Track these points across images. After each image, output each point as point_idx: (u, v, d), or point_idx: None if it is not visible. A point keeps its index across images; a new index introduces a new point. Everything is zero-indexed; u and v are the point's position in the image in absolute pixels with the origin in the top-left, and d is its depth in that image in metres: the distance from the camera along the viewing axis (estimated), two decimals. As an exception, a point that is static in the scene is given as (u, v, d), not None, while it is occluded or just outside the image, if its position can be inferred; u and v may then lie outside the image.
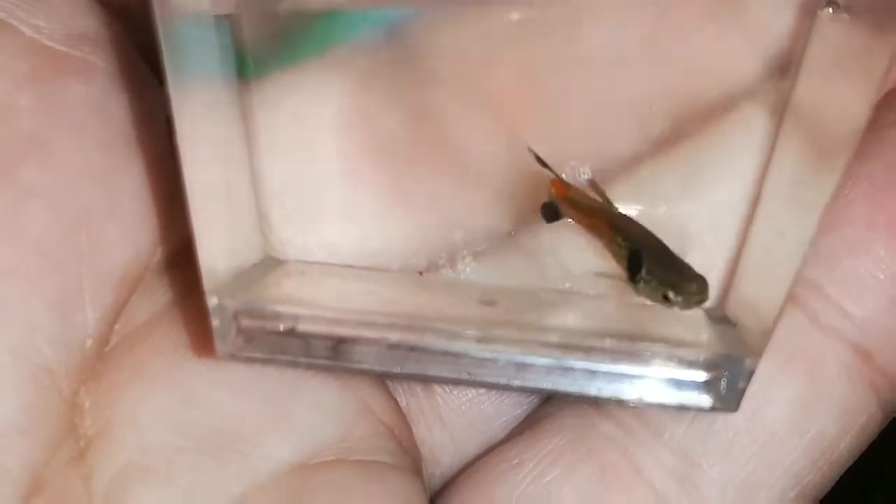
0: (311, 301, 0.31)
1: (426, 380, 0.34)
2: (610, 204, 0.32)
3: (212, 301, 0.30)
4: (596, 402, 0.33)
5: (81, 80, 0.31)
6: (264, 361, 0.31)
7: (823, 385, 0.31)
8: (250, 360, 0.31)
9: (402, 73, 0.31)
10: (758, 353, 0.30)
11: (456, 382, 0.34)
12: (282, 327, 0.31)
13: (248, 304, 0.31)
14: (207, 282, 0.30)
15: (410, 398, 0.35)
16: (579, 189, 0.32)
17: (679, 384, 0.31)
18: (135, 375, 0.31)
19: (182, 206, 0.29)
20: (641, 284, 0.31)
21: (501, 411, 0.36)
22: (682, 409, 0.31)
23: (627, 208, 0.32)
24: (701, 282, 0.30)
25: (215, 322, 0.31)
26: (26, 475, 0.29)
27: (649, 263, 0.31)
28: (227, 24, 0.30)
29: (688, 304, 0.30)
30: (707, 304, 0.32)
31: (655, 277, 0.30)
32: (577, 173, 0.32)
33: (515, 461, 0.33)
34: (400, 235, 0.33)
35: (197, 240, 0.29)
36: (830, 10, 0.28)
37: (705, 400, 0.31)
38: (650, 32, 0.30)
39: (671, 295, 0.30)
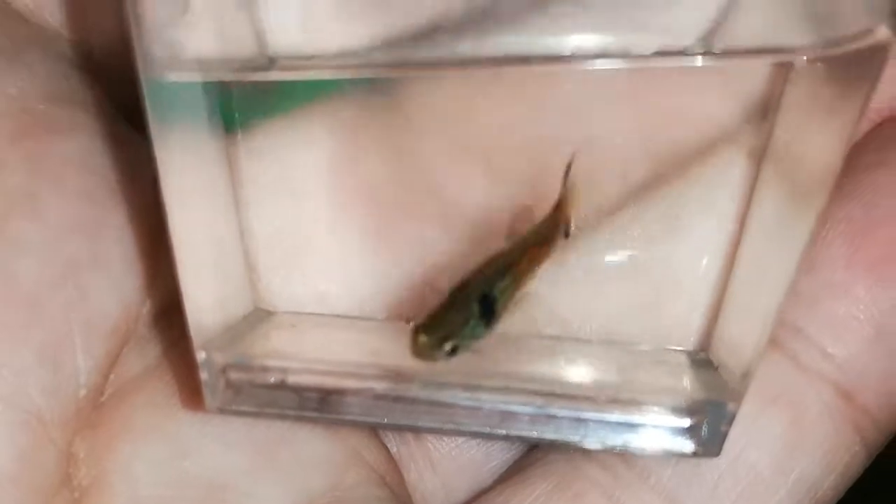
0: (300, 354, 0.32)
1: (413, 429, 0.34)
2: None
3: (200, 355, 0.31)
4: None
5: (65, 137, 0.32)
6: (253, 415, 0.32)
7: (806, 426, 0.32)
8: (239, 414, 0.32)
9: (386, 121, 0.32)
10: (739, 397, 0.30)
11: (442, 432, 0.34)
12: (272, 380, 0.31)
13: (237, 358, 0.31)
14: (196, 336, 0.30)
15: (401, 445, 0.36)
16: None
17: (662, 430, 0.31)
18: (128, 427, 0.32)
19: (169, 256, 0.29)
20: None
21: (491, 456, 0.36)
22: (666, 454, 0.31)
23: (611, 253, 0.32)
24: (426, 339, 0.29)
25: (204, 376, 0.31)
26: (20, 525, 0.29)
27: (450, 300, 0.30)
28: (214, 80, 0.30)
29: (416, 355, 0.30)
30: (690, 347, 0.33)
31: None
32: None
33: None
34: (387, 283, 0.33)
35: (185, 293, 0.30)
36: (805, 59, 0.28)
37: (688, 445, 0.31)
38: (630, 80, 0.30)
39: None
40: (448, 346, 0.29)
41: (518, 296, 0.31)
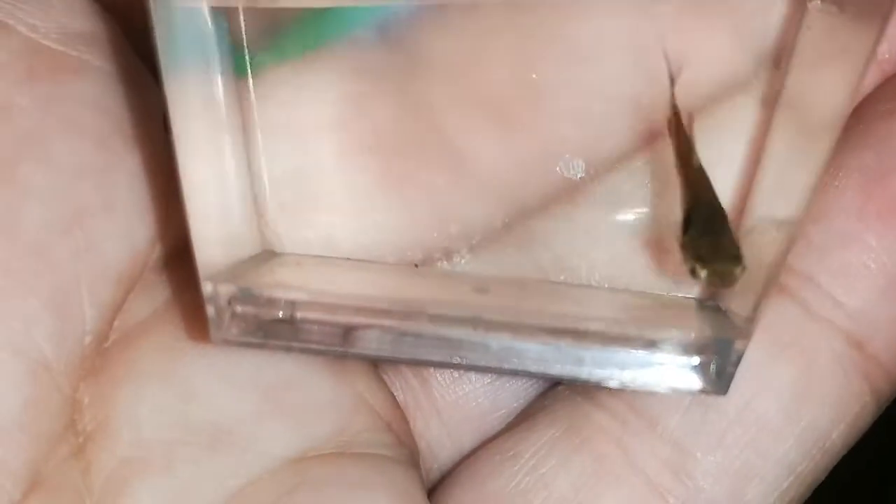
0: (306, 288, 0.32)
1: (420, 364, 0.34)
2: (690, 152, 0.31)
3: (206, 287, 0.31)
4: (589, 393, 0.33)
5: (77, 78, 0.31)
6: (258, 347, 0.32)
7: (816, 374, 0.32)
8: (245, 346, 0.32)
9: (396, 67, 0.32)
10: (746, 336, 0.30)
11: (448, 366, 0.34)
12: (280, 314, 0.31)
13: (243, 291, 0.31)
14: (202, 269, 0.30)
15: (407, 392, 0.36)
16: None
17: (669, 368, 0.31)
18: (133, 371, 0.32)
19: (180, 202, 0.29)
20: (682, 248, 0.30)
21: (497, 405, 0.36)
22: (673, 392, 0.31)
23: (620, 200, 0.32)
24: (731, 264, 0.29)
25: (209, 308, 0.31)
26: (26, 470, 0.29)
27: (695, 230, 0.30)
28: (224, 16, 0.30)
29: (713, 283, 0.30)
30: (699, 294, 0.33)
31: (691, 247, 0.30)
32: (571, 166, 0.32)
33: (511, 453, 0.34)
34: (396, 228, 0.33)
35: (192, 231, 0.29)
36: (819, 1, 0.28)
37: (696, 383, 0.31)
38: (642, 26, 0.30)
39: (698, 269, 0.29)
40: (743, 265, 0.29)
41: None
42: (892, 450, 0.43)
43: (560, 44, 0.31)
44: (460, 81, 0.32)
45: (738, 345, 0.30)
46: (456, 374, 0.35)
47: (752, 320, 0.30)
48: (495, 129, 0.32)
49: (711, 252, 0.29)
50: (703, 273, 0.29)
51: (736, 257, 0.29)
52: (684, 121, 0.31)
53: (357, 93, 0.32)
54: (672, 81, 0.30)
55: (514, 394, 0.36)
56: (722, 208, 0.30)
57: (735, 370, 0.30)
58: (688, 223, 0.30)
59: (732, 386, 0.31)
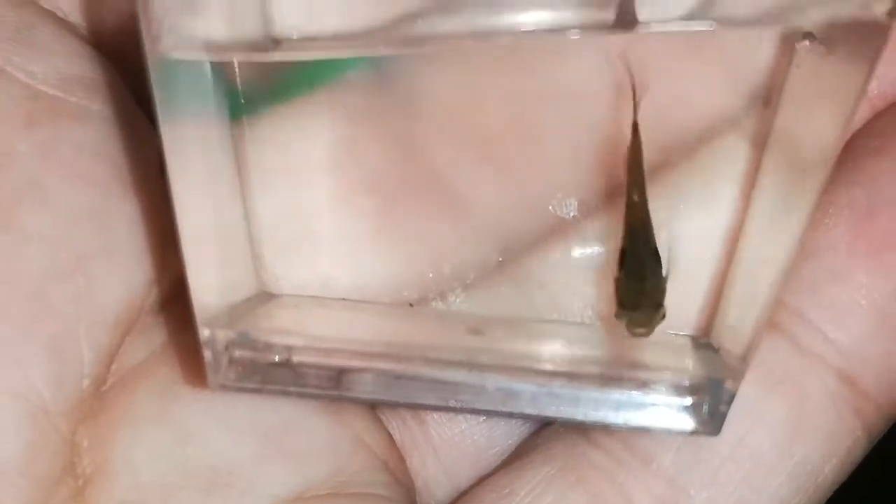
0: (303, 332, 0.32)
1: (415, 407, 0.34)
2: (641, 191, 0.31)
3: (203, 332, 0.31)
4: (584, 431, 0.34)
5: (76, 124, 0.32)
6: (255, 391, 0.32)
7: (808, 410, 0.32)
8: (242, 391, 0.32)
9: (390, 108, 0.32)
10: (738, 377, 0.30)
11: (444, 409, 0.34)
12: (277, 358, 0.32)
13: (241, 336, 0.31)
14: (199, 314, 0.30)
15: (404, 431, 0.36)
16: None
17: (662, 408, 0.31)
18: (131, 414, 0.32)
19: (177, 246, 0.29)
20: (615, 286, 0.31)
21: (493, 442, 0.36)
22: (667, 432, 0.31)
23: (612, 239, 0.32)
24: (647, 316, 0.30)
25: (207, 353, 0.31)
26: (25, 514, 0.29)
27: (625, 271, 0.31)
28: (219, 63, 0.30)
29: (629, 331, 0.30)
30: (691, 332, 0.33)
31: (617, 289, 0.31)
32: (564, 205, 0.32)
33: (506, 491, 0.34)
34: (391, 269, 0.33)
35: (189, 275, 0.30)
36: (808, 42, 0.29)
37: (688, 423, 0.31)
38: (633, 67, 0.30)
39: (618, 313, 0.30)
40: (662, 312, 0.30)
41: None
42: (885, 484, 0.43)
43: (551, 85, 0.31)
44: (453, 122, 0.32)
45: (729, 385, 0.30)
46: (452, 412, 0.36)
47: (744, 360, 0.30)
48: (488, 170, 0.32)
49: (634, 298, 0.30)
50: (623, 318, 0.30)
51: (656, 306, 0.30)
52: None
53: (351, 135, 0.32)
54: (635, 106, 0.30)
55: (510, 431, 0.36)
56: (655, 248, 0.31)
57: (727, 410, 0.31)
58: (622, 260, 0.31)
59: (725, 422, 0.31)
